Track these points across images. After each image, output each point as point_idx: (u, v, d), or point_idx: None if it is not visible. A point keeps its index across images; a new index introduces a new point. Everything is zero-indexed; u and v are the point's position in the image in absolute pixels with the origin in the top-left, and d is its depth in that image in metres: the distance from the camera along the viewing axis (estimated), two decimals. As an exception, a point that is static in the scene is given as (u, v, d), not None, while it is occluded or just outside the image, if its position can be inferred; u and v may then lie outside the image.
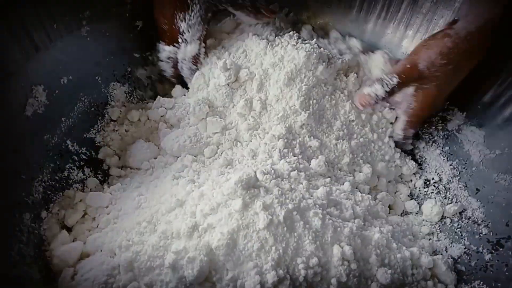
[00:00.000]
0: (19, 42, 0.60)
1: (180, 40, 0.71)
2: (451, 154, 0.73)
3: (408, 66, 0.66)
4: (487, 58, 0.65)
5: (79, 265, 0.53)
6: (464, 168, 0.71)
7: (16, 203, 0.56)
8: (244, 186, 0.51)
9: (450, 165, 0.72)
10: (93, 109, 0.72)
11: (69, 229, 0.60)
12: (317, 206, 0.54)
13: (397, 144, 0.74)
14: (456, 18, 0.66)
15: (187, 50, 0.72)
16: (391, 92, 0.66)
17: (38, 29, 0.63)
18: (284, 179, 0.56)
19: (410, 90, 0.68)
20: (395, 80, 0.65)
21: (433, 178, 0.74)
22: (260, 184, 0.53)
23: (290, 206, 0.51)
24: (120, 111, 0.74)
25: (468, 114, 0.72)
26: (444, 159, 0.74)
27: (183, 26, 0.70)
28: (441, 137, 0.75)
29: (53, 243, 0.55)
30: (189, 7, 0.69)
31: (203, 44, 0.73)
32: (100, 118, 0.73)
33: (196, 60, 0.73)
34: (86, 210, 0.61)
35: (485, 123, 0.69)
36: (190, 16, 0.69)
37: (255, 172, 0.53)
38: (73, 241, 0.57)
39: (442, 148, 0.74)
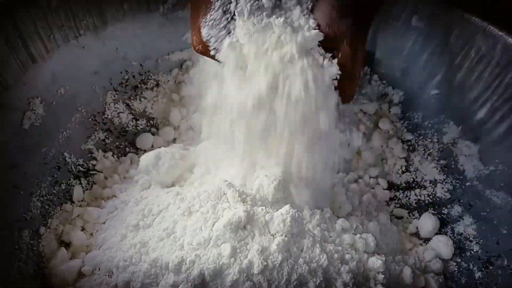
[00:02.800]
0: (15, 54, 0.60)
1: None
2: (446, 168, 0.74)
3: None
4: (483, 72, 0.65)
5: (78, 284, 0.53)
6: (458, 182, 0.71)
7: (15, 220, 0.56)
8: (234, 229, 0.51)
9: (445, 179, 0.73)
10: (90, 119, 0.72)
11: (67, 244, 0.60)
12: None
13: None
14: None
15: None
16: None
17: (35, 40, 0.62)
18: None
19: None
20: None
21: (427, 191, 0.74)
22: (252, 225, 0.53)
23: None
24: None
25: (464, 128, 0.72)
26: (439, 172, 0.74)
27: None
28: (437, 150, 0.76)
29: (52, 261, 0.56)
30: None
31: None
32: (97, 129, 0.73)
33: None
34: (84, 225, 0.62)
35: (481, 138, 0.70)
36: None
37: (247, 212, 0.53)
38: (71, 257, 0.58)
39: (437, 161, 0.75)
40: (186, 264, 0.50)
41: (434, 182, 0.74)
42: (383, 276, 0.55)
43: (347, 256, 0.55)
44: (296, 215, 0.53)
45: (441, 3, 0.71)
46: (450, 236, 0.68)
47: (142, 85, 0.79)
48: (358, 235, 0.58)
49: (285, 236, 0.52)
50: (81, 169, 0.69)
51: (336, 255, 0.54)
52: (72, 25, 0.67)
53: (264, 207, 0.55)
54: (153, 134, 0.79)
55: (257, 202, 0.56)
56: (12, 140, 0.59)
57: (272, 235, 0.53)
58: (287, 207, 0.54)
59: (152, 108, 0.79)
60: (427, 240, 0.69)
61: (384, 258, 0.56)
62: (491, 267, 0.62)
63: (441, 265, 0.64)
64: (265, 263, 0.50)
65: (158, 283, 0.50)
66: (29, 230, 0.57)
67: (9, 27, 0.59)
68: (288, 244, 0.52)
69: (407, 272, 0.58)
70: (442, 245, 0.66)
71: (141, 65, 0.79)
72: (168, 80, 0.81)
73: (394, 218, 0.73)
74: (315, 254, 0.53)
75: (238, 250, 0.51)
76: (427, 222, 0.69)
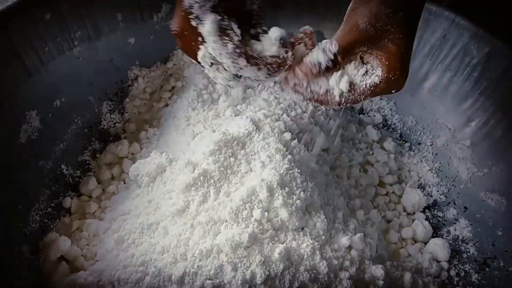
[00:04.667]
0: (10, 68, 0.60)
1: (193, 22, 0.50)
2: (441, 171, 0.75)
3: (347, 29, 0.52)
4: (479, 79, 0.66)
5: (81, 298, 0.53)
6: (452, 185, 0.72)
7: (14, 236, 0.56)
8: (234, 248, 0.52)
9: (439, 182, 0.74)
10: (86, 130, 0.72)
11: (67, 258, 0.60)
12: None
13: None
14: None
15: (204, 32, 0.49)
16: (335, 62, 0.52)
17: (29, 53, 0.62)
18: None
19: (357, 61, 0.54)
20: (334, 46, 0.52)
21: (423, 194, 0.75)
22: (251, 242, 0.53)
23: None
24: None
25: (457, 131, 0.73)
26: (433, 175, 0.75)
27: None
28: (431, 152, 0.77)
29: (53, 276, 0.56)
30: None
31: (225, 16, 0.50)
32: (94, 140, 0.72)
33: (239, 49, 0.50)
34: (84, 238, 0.62)
35: (474, 141, 0.71)
36: None
37: (247, 233, 0.53)
38: (72, 271, 0.58)
39: (432, 164, 0.76)
40: (189, 275, 0.50)
41: (428, 185, 0.75)
42: (382, 282, 0.55)
43: (347, 263, 0.56)
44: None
45: (434, 9, 0.72)
46: (446, 239, 0.69)
47: (137, 94, 0.79)
48: (358, 240, 0.59)
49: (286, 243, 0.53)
50: (79, 180, 0.69)
51: (335, 262, 0.55)
52: (67, 36, 0.67)
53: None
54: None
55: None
56: (9, 155, 0.59)
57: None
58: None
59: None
60: (424, 243, 0.70)
61: (384, 266, 0.57)
62: (487, 269, 0.63)
63: (438, 268, 0.65)
64: (268, 273, 0.50)
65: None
66: (28, 245, 0.57)
67: (3, 40, 0.58)
68: (289, 252, 0.53)
69: (407, 277, 0.59)
70: (439, 248, 0.66)
71: (135, 74, 0.78)
72: (161, 87, 0.81)
73: (387, 221, 0.73)
74: (315, 262, 0.54)
75: (239, 264, 0.51)
76: (419, 228, 0.69)
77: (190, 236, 0.55)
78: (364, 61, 0.54)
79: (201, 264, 0.52)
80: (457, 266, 0.65)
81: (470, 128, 0.71)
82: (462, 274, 0.64)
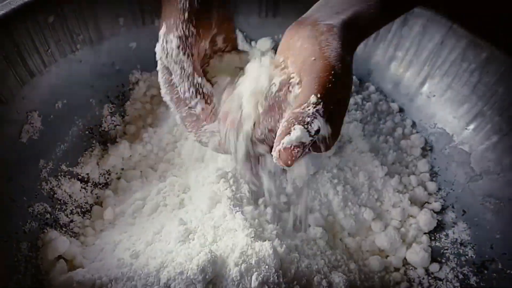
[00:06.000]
0: (14, 69, 0.61)
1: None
2: (439, 175, 0.75)
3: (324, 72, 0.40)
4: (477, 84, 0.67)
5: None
6: (451, 189, 0.73)
7: (13, 232, 0.56)
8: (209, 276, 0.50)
9: (438, 186, 0.74)
10: (87, 132, 0.73)
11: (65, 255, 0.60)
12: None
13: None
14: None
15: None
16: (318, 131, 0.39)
17: (33, 55, 0.63)
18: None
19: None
20: (320, 108, 0.39)
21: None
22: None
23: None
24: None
25: (456, 136, 0.74)
26: (431, 178, 0.75)
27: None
28: (429, 156, 0.77)
29: (51, 272, 0.56)
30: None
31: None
32: (94, 141, 0.73)
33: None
34: (82, 237, 0.62)
35: (473, 146, 0.71)
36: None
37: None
38: (70, 269, 0.58)
39: (431, 168, 0.76)
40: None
41: (426, 189, 0.75)
42: None
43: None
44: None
45: (431, 15, 0.73)
46: (444, 242, 0.69)
47: (138, 97, 0.80)
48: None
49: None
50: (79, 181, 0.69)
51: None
52: (69, 39, 0.68)
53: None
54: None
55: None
56: (10, 153, 0.60)
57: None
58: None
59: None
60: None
61: None
62: (486, 271, 0.63)
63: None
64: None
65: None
66: (27, 243, 0.57)
67: (7, 42, 0.60)
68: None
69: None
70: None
71: (136, 78, 0.80)
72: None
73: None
74: None
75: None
76: (418, 254, 0.66)
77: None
78: None
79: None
80: (455, 269, 0.65)
81: (468, 132, 0.72)
82: (461, 276, 0.64)
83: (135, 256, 0.56)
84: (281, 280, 0.51)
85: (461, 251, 0.67)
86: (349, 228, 0.66)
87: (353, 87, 0.80)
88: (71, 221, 0.64)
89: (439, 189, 0.74)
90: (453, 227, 0.70)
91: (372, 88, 0.83)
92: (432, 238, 0.70)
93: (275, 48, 0.50)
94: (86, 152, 0.72)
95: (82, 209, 0.67)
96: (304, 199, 0.62)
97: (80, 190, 0.68)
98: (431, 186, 0.73)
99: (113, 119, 0.76)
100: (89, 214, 0.66)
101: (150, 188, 0.67)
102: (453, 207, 0.71)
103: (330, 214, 0.66)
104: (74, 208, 0.66)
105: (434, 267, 0.66)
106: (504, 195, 0.65)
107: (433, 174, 0.75)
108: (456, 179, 0.72)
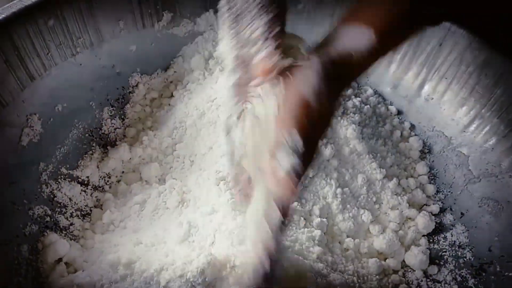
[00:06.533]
0: (14, 72, 0.61)
1: None
2: (438, 177, 0.75)
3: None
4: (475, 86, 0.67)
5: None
6: (449, 191, 0.73)
7: (13, 236, 0.57)
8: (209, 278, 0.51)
9: (436, 188, 0.74)
10: (87, 135, 0.73)
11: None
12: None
13: None
14: None
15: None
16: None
17: (33, 58, 0.63)
18: None
19: None
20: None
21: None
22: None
23: None
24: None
25: (454, 138, 0.74)
26: (429, 181, 0.76)
27: None
28: (428, 159, 0.77)
29: (51, 275, 0.56)
30: None
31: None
32: (94, 144, 0.73)
33: None
34: (82, 240, 0.63)
35: (471, 148, 0.72)
36: None
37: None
38: (71, 271, 0.58)
39: (429, 170, 0.76)
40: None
41: (425, 191, 0.76)
42: None
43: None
44: None
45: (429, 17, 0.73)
46: (442, 244, 0.69)
47: (138, 100, 0.80)
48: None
49: None
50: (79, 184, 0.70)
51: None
52: (69, 42, 0.68)
53: None
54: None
55: None
56: (10, 157, 0.60)
57: None
58: None
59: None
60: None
61: None
62: (484, 274, 0.63)
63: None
64: None
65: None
66: (27, 246, 0.57)
67: (7, 45, 0.60)
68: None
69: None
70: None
71: (136, 80, 0.80)
72: (162, 95, 0.82)
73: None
74: None
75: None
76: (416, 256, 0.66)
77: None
78: None
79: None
80: (453, 271, 0.65)
81: (467, 135, 0.72)
82: (459, 279, 0.64)
83: (135, 259, 0.56)
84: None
85: (459, 253, 0.67)
86: (347, 231, 0.66)
87: (351, 90, 0.81)
88: (71, 224, 0.64)
89: (438, 191, 0.74)
90: (452, 229, 0.70)
91: (370, 91, 0.83)
92: (431, 240, 0.70)
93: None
94: (86, 155, 0.72)
95: (82, 212, 0.67)
96: None
97: (80, 193, 0.68)
98: (430, 188, 0.74)
99: (113, 122, 0.76)
100: (89, 217, 0.67)
101: (150, 191, 0.67)
102: (451, 209, 0.72)
103: (329, 217, 0.66)
104: (74, 211, 0.66)
105: (433, 269, 0.66)
106: (503, 197, 0.66)
107: (432, 177, 0.76)
108: (455, 181, 0.73)
